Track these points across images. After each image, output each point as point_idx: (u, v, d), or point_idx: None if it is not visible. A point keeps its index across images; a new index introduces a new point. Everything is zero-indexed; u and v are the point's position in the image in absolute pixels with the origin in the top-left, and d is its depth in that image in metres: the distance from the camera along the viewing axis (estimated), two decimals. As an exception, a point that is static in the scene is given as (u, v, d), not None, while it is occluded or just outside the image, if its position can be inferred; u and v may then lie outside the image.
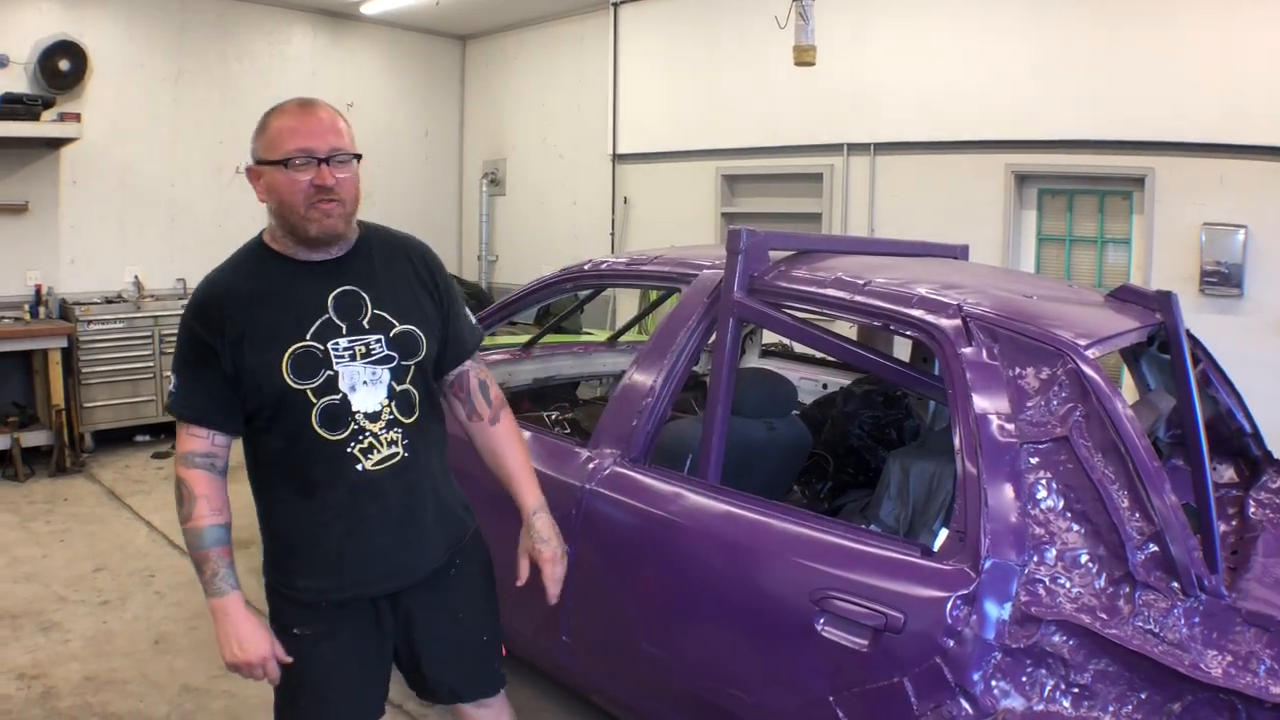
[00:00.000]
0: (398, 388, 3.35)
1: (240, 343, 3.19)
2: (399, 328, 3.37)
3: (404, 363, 3.37)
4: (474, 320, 3.81)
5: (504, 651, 3.83)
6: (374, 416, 3.30)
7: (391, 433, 3.34)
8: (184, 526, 3.25)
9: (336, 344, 3.26)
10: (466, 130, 14.76)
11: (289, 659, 3.33)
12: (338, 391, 3.24)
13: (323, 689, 3.43)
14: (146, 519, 8.70)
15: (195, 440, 3.27)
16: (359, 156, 3.31)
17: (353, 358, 3.27)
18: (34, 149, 10.58)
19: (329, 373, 3.24)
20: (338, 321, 3.28)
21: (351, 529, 3.32)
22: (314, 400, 3.22)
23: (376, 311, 3.34)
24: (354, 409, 3.27)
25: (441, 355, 3.56)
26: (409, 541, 3.42)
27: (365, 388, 3.29)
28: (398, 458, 3.35)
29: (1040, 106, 8.41)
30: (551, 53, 13.39)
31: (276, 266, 3.31)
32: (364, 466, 3.29)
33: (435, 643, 3.58)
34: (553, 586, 3.63)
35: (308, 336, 3.23)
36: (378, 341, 3.32)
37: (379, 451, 3.32)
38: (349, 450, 3.27)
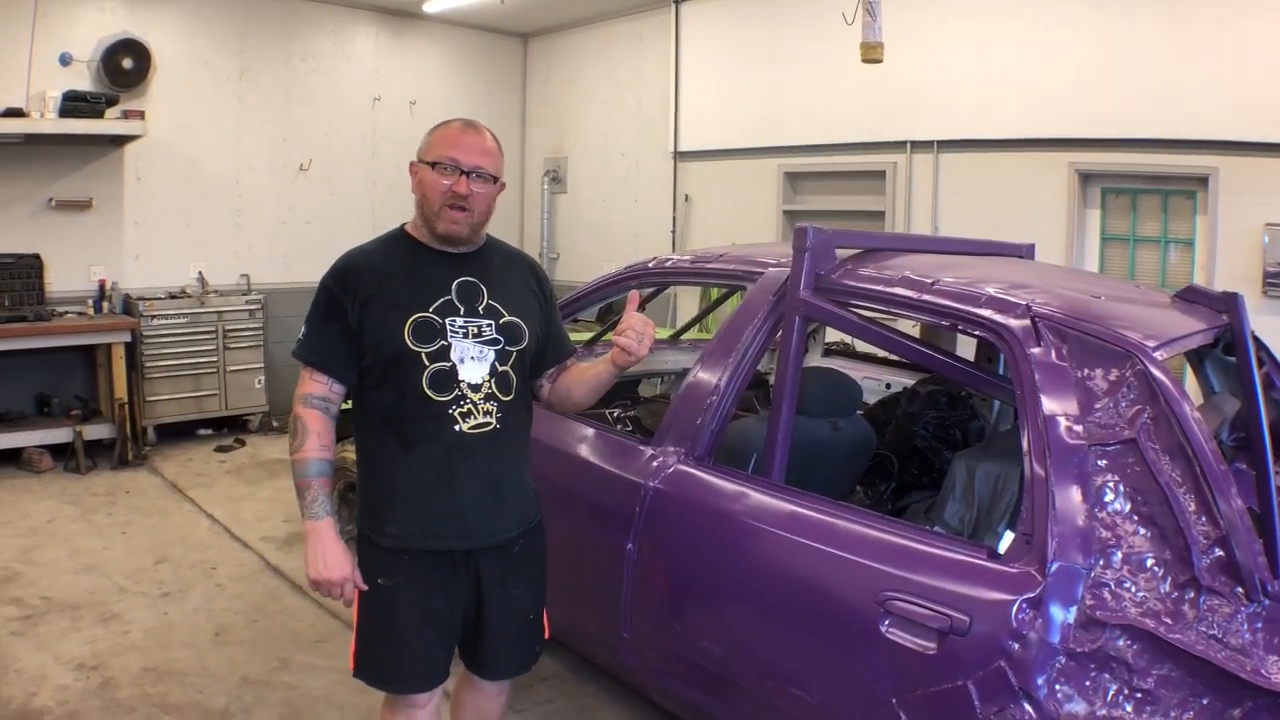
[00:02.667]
0: (499, 368, 3.74)
1: (370, 304, 3.63)
2: (507, 318, 3.78)
3: (508, 348, 3.77)
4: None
5: (545, 634, 4.12)
6: (476, 388, 3.69)
7: (489, 404, 3.71)
8: (294, 457, 3.68)
9: (453, 321, 3.68)
10: (528, 128, 14.76)
11: (365, 586, 3.72)
12: (448, 360, 3.65)
13: (401, 638, 3.73)
14: (209, 511, 8.77)
15: (316, 384, 3.72)
16: (499, 181, 3.77)
17: (465, 335, 3.69)
18: (98, 146, 10.69)
19: (443, 342, 3.65)
20: (457, 303, 3.71)
21: (442, 482, 3.68)
22: (426, 363, 3.62)
23: (491, 301, 3.77)
24: (460, 377, 3.66)
25: (543, 353, 3.99)
26: (488, 504, 3.76)
27: (472, 362, 3.68)
28: (490, 427, 3.71)
29: (1104, 105, 8.35)
30: (613, 50, 13.38)
31: (411, 250, 3.79)
32: (461, 428, 3.66)
33: (493, 611, 3.86)
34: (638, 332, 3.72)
35: (430, 309, 3.66)
36: (488, 325, 3.74)
37: (475, 418, 3.68)
38: (450, 412, 3.65)
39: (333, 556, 3.65)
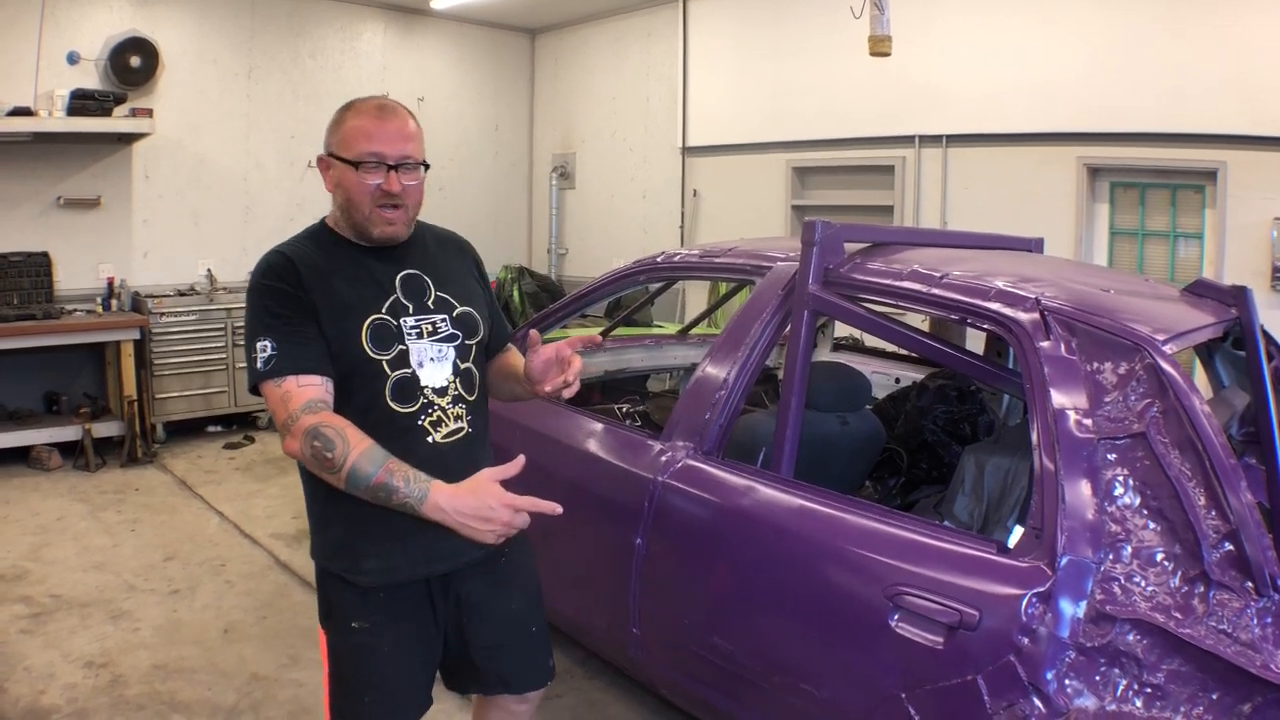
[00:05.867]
0: (461, 365, 3.48)
1: (319, 308, 3.25)
2: (460, 309, 3.53)
3: (466, 342, 3.51)
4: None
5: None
6: (441, 391, 3.41)
7: (457, 408, 3.45)
8: (352, 456, 3.02)
9: (405, 321, 3.38)
10: (536, 124, 14.78)
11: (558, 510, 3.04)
12: (408, 365, 3.34)
13: (384, 682, 3.43)
14: (218, 509, 8.79)
15: (311, 389, 3.17)
16: (427, 165, 3.46)
17: (420, 335, 3.39)
18: (106, 144, 10.72)
19: (401, 347, 3.34)
20: (404, 301, 3.40)
21: None
22: (388, 372, 3.31)
23: (439, 294, 3.50)
24: (423, 384, 3.37)
25: (489, 341, 3.73)
26: None
27: (432, 364, 3.40)
28: (463, 432, 3.45)
29: (1112, 99, 8.34)
30: (620, 46, 13.39)
31: (342, 248, 3.42)
32: (434, 439, 3.37)
33: (488, 629, 3.60)
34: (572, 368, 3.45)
35: (383, 310, 3.34)
36: (443, 321, 3.46)
37: (446, 425, 3.41)
38: (420, 423, 3.35)
39: (481, 492, 2.98)
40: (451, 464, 3.28)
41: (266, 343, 3.21)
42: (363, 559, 3.37)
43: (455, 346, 3.47)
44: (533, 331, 3.52)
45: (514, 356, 3.80)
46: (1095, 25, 8.44)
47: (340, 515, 3.38)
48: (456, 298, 3.54)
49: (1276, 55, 7.40)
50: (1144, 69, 8.13)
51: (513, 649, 3.70)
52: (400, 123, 3.38)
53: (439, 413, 3.40)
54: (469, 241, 3.92)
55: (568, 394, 3.49)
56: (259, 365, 3.20)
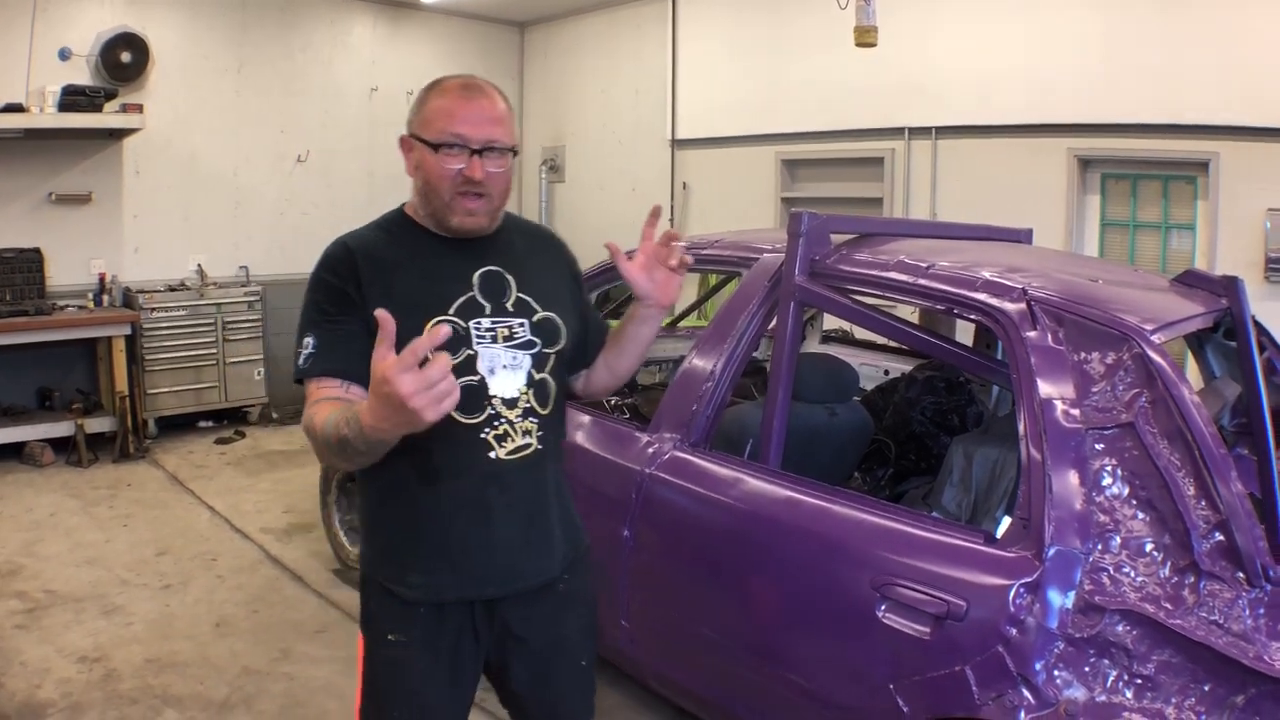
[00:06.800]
0: (536, 376, 3.12)
1: (377, 304, 2.71)
2: (542, 314, 3.17)
3: (545, 350, 3.15)
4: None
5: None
6: (511, 403, 3.07)
7: (527, 422, 3.10)
8: (320, 430, 2.77)
9: (479, 324, 3.05)
10: (525, 117, 14.72)
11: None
12: (475, 373, 3.01)
13: (414, 700, 3.18)
14: (209, 503, 8.79)
15: (326, 392, 2.94)
16: (515, 151, 3.12)
17: (494, 340, 3.06)
18: (97, 140, 10.70)
19: (468, 352, 3.01)
20: (481, 301, 3.08)
21: (476, 521, 3.07)
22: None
23: (521, 295, 3.15)
24: (491, 393, 3.04)
25: (585, 344, 3.40)
26: (533, 542, 3.18)
27: (504, 372, 3.07)
28: (531, 449, 3.10)
29: (1103, 90, 8.32)
30: (610, 39, 13.39)
31: (417, 237, 3.14)
32: (497, 454, 3.04)
33: (533, 661, 3.29)
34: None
35: (450, 310, 3.02)
36: (521, 325, 3.12)
37: (513, 440, 3.07)
38: (483, 436, 3.03)
39: (372, 397, 2.50)
40: (513, 483, 3.09)
41: (310, 339, 3.02)
42: (409, 572, 3.11)
43: (532, 355, 3.12)
44: (608, 242, 3.22)
45: (615, 333, 3.45)
46: (1086, 16, 8.42)
47: (390, 524, 3.18)
48: (539, 301, 3.18)
49: (1270, 45, 7.39)
50: (1136, 60, 8.12)
51: (557, 682, 3.39)
52: (487, 103, 3.05)
53: (506, 426, 3.06)
54: (563, 240, 3.55)
55: (678, 279, 3.20)
56: (299, 361, 3.03)
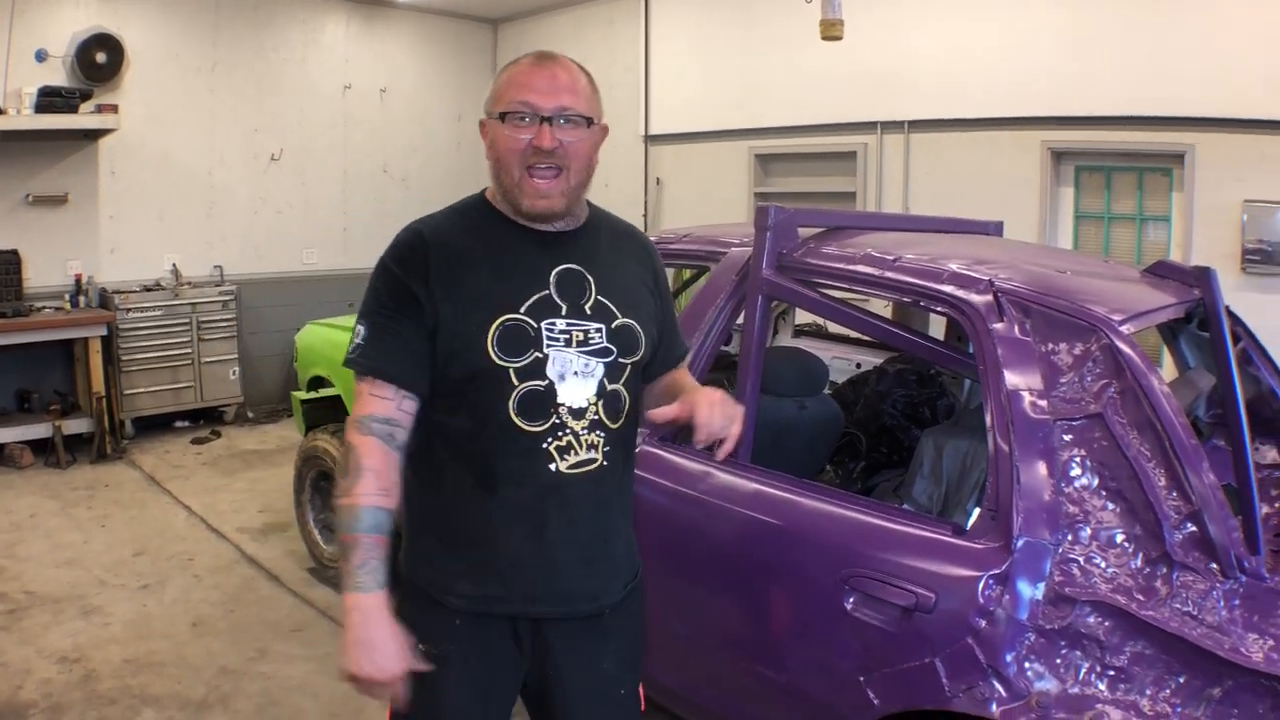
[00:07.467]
0: (609, 386, 2.91)
1: (444, 301, 2.80)
2: (621, 320, 2.96)
3: (621, 359, 2.94)
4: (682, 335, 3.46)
5: (642, 705, 3.27)
6: (579, 413, 2.86)
7: (594, 435, 2.89)
8: (341, 502, 2.73)
9: (552, 324, 2.85)
10: (499, 115, 14.65)
11: (426, 666, 2.78)
12: (544, 377, 2.82)
13: (444, 716, 2.96)
14: (185, 503, 8.81)
15: (378, 402, 2.80)
16: (592, 121, 2.88)
17: (567, 343, 2.85)
18: (73, 141, 10.67)
19: (537, 354, 2.81)
20: (558, 300, 2.88)
21: (532, 535, 2.87)
22: (516, 382, 2.79)
23: (600, 298, 2.94)
24: (559, 400, 2.84)
25: (652, 359, 3.13)
26: (595, 563, 2.99)
27: (575, 379, 2.86)
28: (595, 464, 2.90)
29: (1076, 82, 8.32)
30: (582, 35, 13.34)
31: (495, 226, 2.95)
32: (558, 467, 2.84)
33: (575, 687, 3.05)
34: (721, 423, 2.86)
35: (521, 309, 2.83)
36: (598, 330, 2.91)
37: (576, 453, 2.87)
38: (544, 446, 2.83)
39: (384, 646, 2.67)
40: (574, 499, 2.90)
41: (362, 328, 2.87)
42: (454, 580, 2.92)
43: (606, 363, 2.90)
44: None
45: (683, 376, 3.28)
46: (1059, 8, 8.43)
47: (438, 526, 2.99)
48: (620, 306, 2.97)
49: (1244, 36, 7.39)
50: (1109, 51, 8.12)
51: (598, 712, 3.12)
52: (561, 71, 2.85)
53: (570, 437, 2.85)
54: (652, 242, 3.34)
55: (725, 450, 2.94)
56: (350, 350, 2.88)
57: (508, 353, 2.77)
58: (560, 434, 2.83)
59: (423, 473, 2.95)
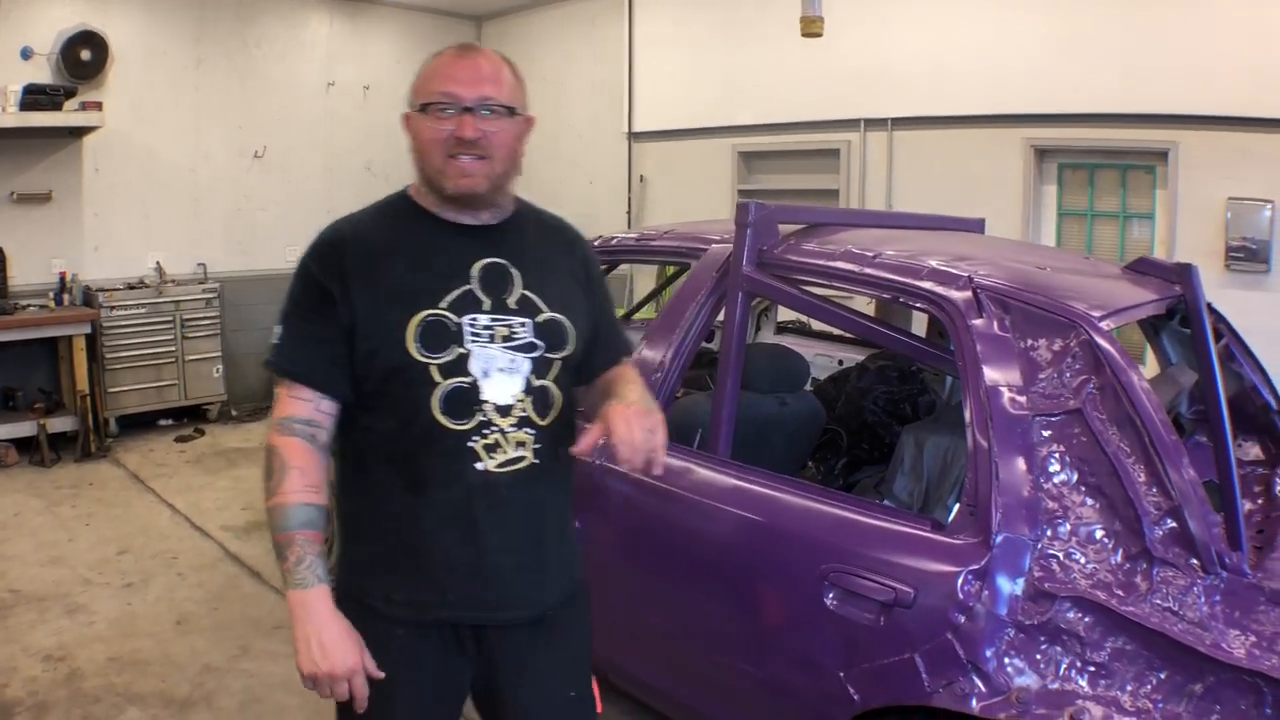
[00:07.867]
0: (535, 382, 2.86)
1: (361, 297, 2.76)
2: (546, 314, 2.91)
3: (547, 355, 2.89)
4: (626, 332, 3.40)
5: (598, 707, 3.20)
6: (504, 410, 2.81)
7: (521, 432, 2.83)
8: (269, 503, 2.69)
9: (475, 320, 2.80)
10: (482, 111, 14.63)
11: (381, 674, 2.74)
12: (467, 374, 2.77)
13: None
14: (169, 502, 8.79)
15: (297, 404, 2.77)
16: (514, 111, 2.84)
17: (491, 339, 2.81)
18: (57, 138, 10.65)
19: (460, 350, 2.77)
20: (480, 295, 2.83)
21: (463, 538, 2.82)
22: (439, 379, 2.75)
23: (525, 292, 2.89)
24: (483, 397, 2.78)
25: (590, 357, 3.08)
26: (528, 567, 2.92)
27: (500, 375, 2.81)
28: (525, 463, 2.84)
29: (1060, 79, 8.31)
30: (566, 32, 13.36)
31: (417, 221, 2.91)
32: (484, 466, 2.79)
33: (521, 692, 3.00)
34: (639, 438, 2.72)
35: (442, 304, 2.78)
36: (522, 325, 2.86)
37: (504, 451, 2.81)
38: (469, 444, 2.78)
39: (334, 640, 2.66)
40: (505, 499, 2.84)
41: (279, 328, 2.85)
42: (391, 588, 2.86)
43: (532, 359, 2.86)
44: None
45: (623, 375, 3.15)
46: (1042, 6, 8.42)
47: (371, 535, 2.94)
48: (546, 300, 2.92)
49: (1229, 34, 7.38)
50: (1093, 49, 8.10)
51: (545, 716, 3.05)
52: (483, 61, 2.83)
53: (497, 435, 2.80)
54: (582, 234, 3.29)
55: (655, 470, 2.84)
56: (269, 353, 2.86)
57: (429, 348, 2.75)
58: (486, 432, 2.79)
59: (352, 479, 2.95)
